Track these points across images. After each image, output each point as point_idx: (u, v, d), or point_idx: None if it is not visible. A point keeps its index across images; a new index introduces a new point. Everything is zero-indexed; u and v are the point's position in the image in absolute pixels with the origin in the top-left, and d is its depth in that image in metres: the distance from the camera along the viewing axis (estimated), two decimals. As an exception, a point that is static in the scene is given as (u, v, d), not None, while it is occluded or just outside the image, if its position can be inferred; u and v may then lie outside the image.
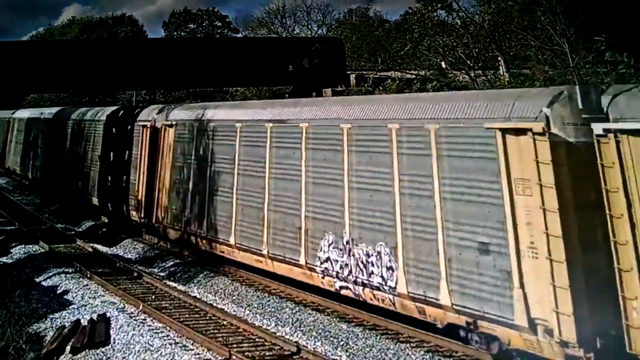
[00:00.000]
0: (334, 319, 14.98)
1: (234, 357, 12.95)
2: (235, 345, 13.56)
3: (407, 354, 12.87)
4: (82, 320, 15.67)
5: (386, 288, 13.67)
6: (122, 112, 27.44)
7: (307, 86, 29.76)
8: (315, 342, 13.80)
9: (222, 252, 19.19)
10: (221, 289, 18.07)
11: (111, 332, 14.94)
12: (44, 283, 19.31)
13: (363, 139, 14.52)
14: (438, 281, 12.45)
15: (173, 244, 22.43)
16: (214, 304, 16.80)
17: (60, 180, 32.91)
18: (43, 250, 23.07)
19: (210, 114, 20.83)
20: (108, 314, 15.99)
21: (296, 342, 13.70)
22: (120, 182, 25.58)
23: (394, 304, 13.73)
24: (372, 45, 42.39)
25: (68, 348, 14.38)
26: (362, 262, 14.27)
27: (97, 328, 15.04)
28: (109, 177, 26.53)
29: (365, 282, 14.27)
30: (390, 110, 14.17)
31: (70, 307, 16.94)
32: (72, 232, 26.92)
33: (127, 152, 25.44)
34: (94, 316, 15.87)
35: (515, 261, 11.05)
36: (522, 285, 10.99)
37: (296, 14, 68.01)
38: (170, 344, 13.92)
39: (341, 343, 13.64)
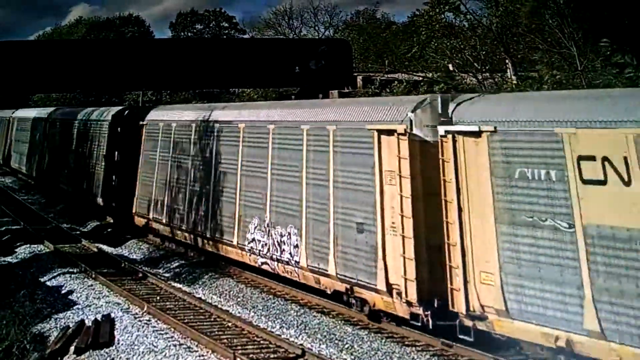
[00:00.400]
0: (339, 322, 14.94)
1: (238, 359, 12.91)
2: (239, 347, 13.51)
3: (413, 358, 12.81)
4: (86, 321, 15.64)
5: (293, 262, 16.28)
6: (127, 112, 27.43)
7: (313, 87, 29.73)
8: (320, 344, 13.75)
9: (184, 238, 21.56)
10: (226, 290, 18.05)
11: (115, 332, 14.91)
12: (48, 283, 19.29)
13: (283, 137, 17.01)
14: (328, 255, 15.05)
15: (141, 230, 24.68)
16: (219, 306, 16.76)
17: (65, 180, 32.91)
18: (48, 250, 23.06)
19: (171, 116, 23.26)
20: (112, 315, 15.97)
21: (301, 344, 13.65)
22: (125, 181, 25.57)
23: (298, 276, 16.36)
24: (379, 47, 42.30)
25: (72, 348, 14.34)
26: (277, 241, 16.83)
27: (102, 328, 15.01)
28: (114, 177, 26.53)
29: (279, 258, 16.82)
30: (304, 114, 16.70)
31: (74, 308, 16.92)
32: (77, 232, 26.91)
33: (131, 151, 25.54)
34: (99, 316, 15.85)
35: (381, 238, 13.65)
36: (384, 257, 13.59)
37: (303, 15, 68.22)
38: (175, 345, 13.89)
39: (346, 346, 13.58)
